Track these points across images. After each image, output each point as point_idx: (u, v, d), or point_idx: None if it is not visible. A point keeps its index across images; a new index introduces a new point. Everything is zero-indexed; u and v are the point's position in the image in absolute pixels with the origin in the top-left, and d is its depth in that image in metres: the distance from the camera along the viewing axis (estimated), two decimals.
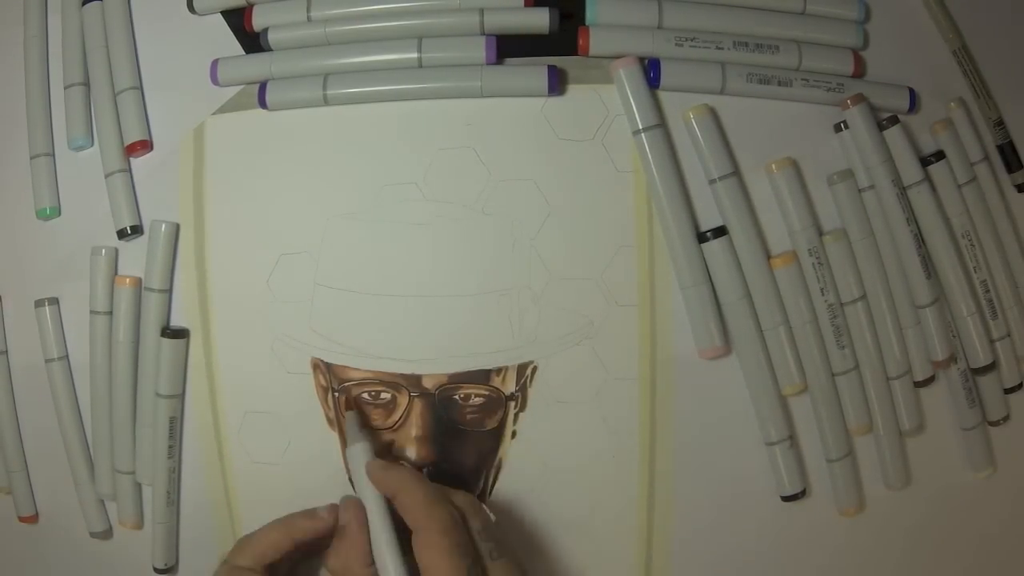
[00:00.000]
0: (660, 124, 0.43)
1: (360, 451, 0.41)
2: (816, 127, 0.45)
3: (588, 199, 0.44)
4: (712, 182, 0.43)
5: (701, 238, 0.43)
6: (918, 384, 0.45)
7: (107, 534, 0.47)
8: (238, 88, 0.45)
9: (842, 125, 0.44)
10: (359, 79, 0.43)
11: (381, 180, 0.44)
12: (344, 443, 0.44)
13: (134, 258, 0.45)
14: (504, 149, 0.44)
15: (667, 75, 0.43)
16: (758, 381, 0.44)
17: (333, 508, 0.42)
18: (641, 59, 0.43)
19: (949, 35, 0.46)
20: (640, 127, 0.43)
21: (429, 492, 0.39)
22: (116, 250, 0.45)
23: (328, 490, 0.45)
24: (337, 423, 0.45)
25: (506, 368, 0.44)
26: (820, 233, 0.44)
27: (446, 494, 0.39)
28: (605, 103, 0.44)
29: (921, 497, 0.46)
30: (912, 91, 0.45)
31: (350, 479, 0.44)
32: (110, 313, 0.45)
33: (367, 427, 0.44)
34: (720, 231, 0.43)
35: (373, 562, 0.38)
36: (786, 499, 0.44)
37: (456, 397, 0.44)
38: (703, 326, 0.43)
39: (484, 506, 0.41)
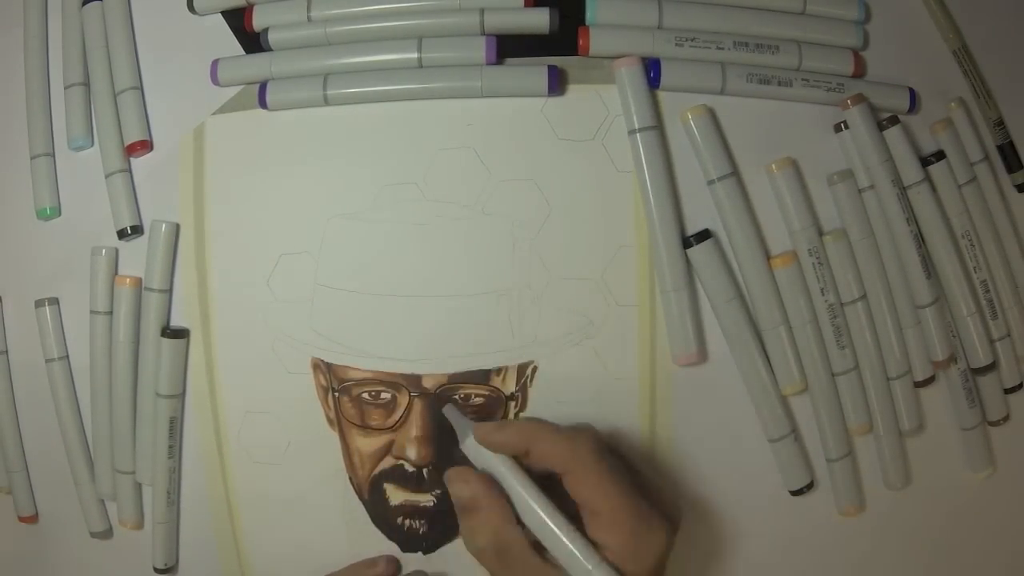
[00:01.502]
0: (656, 126, 0.43)
1: (468, 430, 0.39)
2: (816, 127, 0.45)
3: (588, 199, 0.44)
4: (711, 183, 0.43)
5: (687, 243, 0.43)
6: (918, 384, 0.45)
7: (107, 534, 0.47)
8: (238, 88, 0.45)
9: (842, 125, 0.44)
10: (359, 79, 0.43)
11: (381, 180, 0.44)
12: (344, 444, 0.45)
13: (134, 258, 0.45)
14: (504, 149, 0.44)
15: (667, 75, 0.43)
16: (755, 382, 0.44)
17: (393, 560, 0.44)
18: (641, 59, 0.43)
19: (949, 35, 0.46)
20: (636, 127, 0.43)
21: (562, 431, 0.37)
22: (116, 250, 0.45)
23: (328, 490, 0.45)
24: (338, 423, 0.45)
25: (506, 368, 0.44)
26: (820, 233, 0.44)
27: (573, 427, 0.38)
28: (605, 103, 0.44)
29: (921, 497, 0.46)
30: (912, 91, 0.45)
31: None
32: (110, 313, 0.45)
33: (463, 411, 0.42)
34: (704, 235, 0.43)
35: (519, 522, 0.37)
36: (794, 493, 0.44)
37: (456, 397, 0.44)
38: (680, 332, 0.43)
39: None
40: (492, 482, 0.38)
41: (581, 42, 0.43)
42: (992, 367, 0.46)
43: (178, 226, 0.45)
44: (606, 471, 0.36)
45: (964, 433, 0.46)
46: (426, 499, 0.44)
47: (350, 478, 0.45)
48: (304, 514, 0.45)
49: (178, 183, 0.45)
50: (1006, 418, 0.47)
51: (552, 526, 0.36)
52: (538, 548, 0.37)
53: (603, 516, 0.36)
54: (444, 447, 0.44)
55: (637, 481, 0.37)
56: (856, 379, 0.45)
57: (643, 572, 0.35)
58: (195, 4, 0.45)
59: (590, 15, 0.43)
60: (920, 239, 0.44)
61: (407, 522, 0.45)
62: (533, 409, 0.44)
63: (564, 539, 0.36)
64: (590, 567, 0.35)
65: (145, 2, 0.46)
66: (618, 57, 0.43)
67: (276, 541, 0.45)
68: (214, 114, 0.45)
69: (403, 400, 0.44)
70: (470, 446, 0.39)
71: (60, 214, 0.46)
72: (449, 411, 0.42)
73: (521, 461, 0.38)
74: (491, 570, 0.37)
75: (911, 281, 0.44)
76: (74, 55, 0.46)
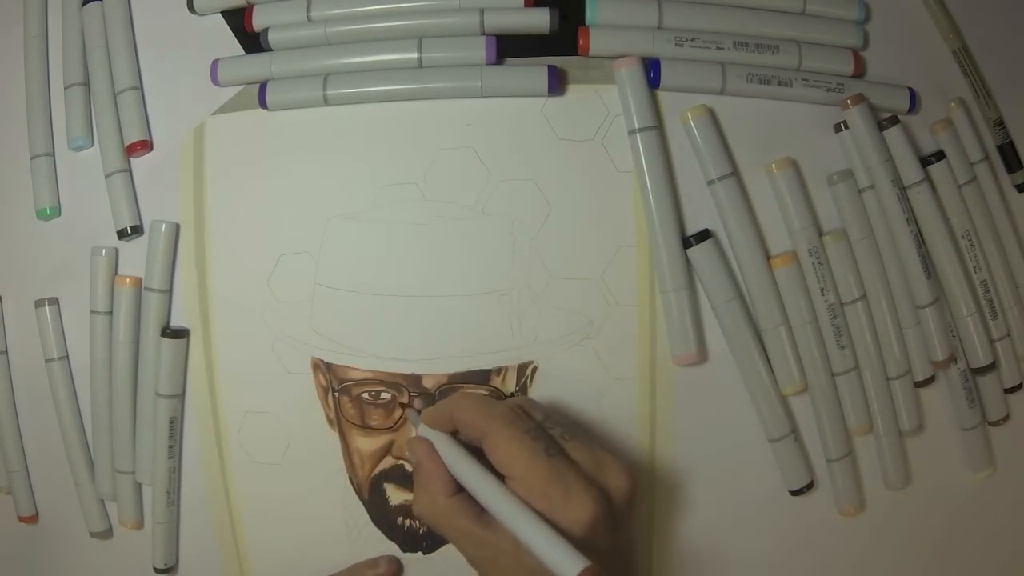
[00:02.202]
0: (656, 126, 0.43)
1: (418, 423, 0.41)
2: (816, 127, 0.45)
3: (588, 199, 0.44)
4: (711, 183, 0.43)
5: (687, 243, 0.43)
6: (918, 384, 0.45)
7: (107, 534, 0.47)
8: (238, 88, 0.45)
9: (842, 125, 0.44)
10: (359, 79, 0.43)
11: (381, 180, 0.44)
12: (345, 444, 0.45)
13: (134, 258, 0.45)
14: (504, 149, 0.44)
15: (667, 75, 0.43)
16: (755, 382, 0.44)
17: (394, 560, 0.44)
18: (641, 59, 0.43)
19: (949, 35, 0.46)
20: (636, 127, 0.43)
21: (480, 400, 0.39)
22: (116, 250, 0.45)
23: (328, 490, 0.45)
24: (338, 423, 0.45)
25: (506, 368, 0.44)
26: (820, 233, 0.44)
27: (499, 399, 0.40)
28: (605, 103, 0.44)
29: (921, 497, 0.46)
30: (912, 91, 0.45)
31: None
32: (110, 313, 0.45)
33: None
34: (704, 235, 0.43)
35: (457, 490, 0.38)
36: (794, 493, 0.44)
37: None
38: (680, 332, 0.43)
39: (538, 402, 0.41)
40: (434, 452, 0.39)
41: (581, 42, 0.43)
42: (992, 367, 0.46)
43: (178, 226, 0.45)
44: (517, 435, 0.36)
45: (964, 433, 0.46)
46: None
47: (350, 478, 0.45)
48: (304, 514, 0.45)
49: (178, 183, 0.45)
50: (1006, 418, 0.47)
51: (480, 487, 0.37)
52: (480, 515, 0.37)
53: (516, 480, 0.36)
54: None
55: (579, 446, 0.37)
56: (856, 379, 0.45)
57: (570, 535, 0.34)
58: (195, 4, 0.45)
59: (590, 15, 0.43)
60: (920, 239, 0.44)
61: (407, 522, 0.45)
62: None
63: (492, 496, 0.36)
64: (517, 521, 0.35)
65: (145, 2, 0.46)
66: (618, 57, 0.43)
67: (276, 541, 0.45)
68: (214, 114, 0.45)
69: (403, 400, 0.44)
70: (421, 431, 0.40)
71: (60, 214, 0.46)
72: (410, 415, 0.43)
73: (460, 437, 0.40)
74: (436, 529, 0.39)
75: (911, 281, 0.44)
76: (74, 55, 0.46)
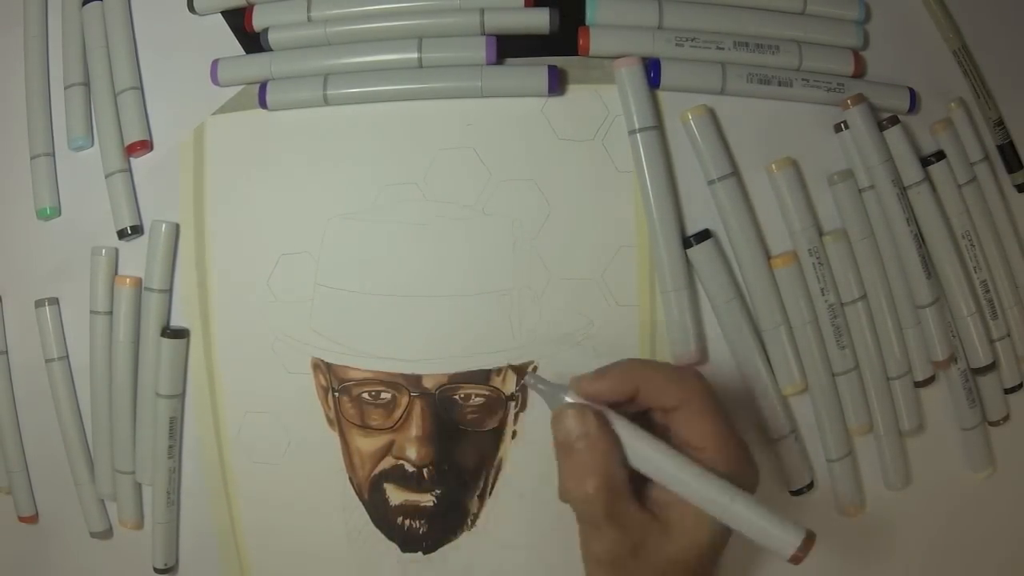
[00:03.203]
0: (656, 126, 0.43)
1: (559, 391, 0.37)
2: (816, 127, 0.45)
3: (588, 199, 0.44)
4: (711, 183, 0.43)
5: (687, 243, 0.43)
6: (918, 384, 0.45)
7: (107, 534, 0.47)
8: (238, 88, 0.45)
9: (842, 125, 0.44)
10: (359, 79, 0.43)
11: (381, 180, 0.44)
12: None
13: (134, 258, 0.45)
14: (504, 149, 0.44)
15: (667, 75, 0.43)
16: (755, 382, 0.44)
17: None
18: (641, 59, 0.43)
19: (949, 35, 0.46)
20: (636, 127, 0.43)
21: (669, 366, 0.39)
22: (116, 250, 0.45)
23: (328, 490, 0.45)
24: (338, 423, 0.45)
25: (506, 368, 0.44)
26: (820, 233, 0.44)
27: (674, 365, 0.41)
28: (605, 103, 0.44)
29: (921, 497, 0.46)
30: (912, 91, 0.45)
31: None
32: (110, 313, 0.45)
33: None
34: (704, 235, 0.43)
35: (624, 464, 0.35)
36: (794, 493, 0.44)
37: (456, 397, 0.44)
38: (680, 332, 0.43)
39: None
40: (605, 421, 0.35)
41: (581, 42, 0.43)
42: (992, 367, 0.46)
43: (178, 226, 0.45)
44: (716, 407, 0.36)
45: (964, 433, 0.46)
46: (426, 499, 0.44)
47: (350, 478, 0.45)
48: (304, 514, 0.45)
49: (178, 183, 0.45)
50: (1006, 418, 0.47)
51: (681, 465, 0.34)
52: (640, 501, 0.35)
53: (708, 451, 0.35)
54: (444, 447, 0.44)
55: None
56: (856, 379, 0.45)
57: None
58: (195, 4, 0.45)
59: (590, 15, 0.43)
60: (920, 239, 0.44)
61: (407, 522, 0.45)
62: (533, 410, 0.44)
63: (698, 476, 0.34)
64: (728, 500, 0.34)
65: (145, 2, 0.46)
66: (618, 57, 0.43)
67: (276, 541, 0.45)
68: (214, 114, 0.45)
69: (403, 400, 0.44)
70: (572, 401, 0.36)
71: (60, 214, 0.46)
72: (531, 379, 0.38)
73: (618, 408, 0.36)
74: (592, 516, 0.34)
75: (911, 281, 0.44)
76: (74, 55, 0.46)
